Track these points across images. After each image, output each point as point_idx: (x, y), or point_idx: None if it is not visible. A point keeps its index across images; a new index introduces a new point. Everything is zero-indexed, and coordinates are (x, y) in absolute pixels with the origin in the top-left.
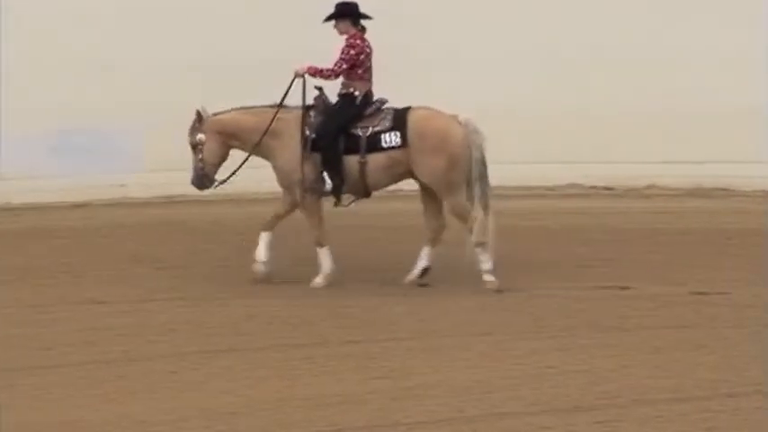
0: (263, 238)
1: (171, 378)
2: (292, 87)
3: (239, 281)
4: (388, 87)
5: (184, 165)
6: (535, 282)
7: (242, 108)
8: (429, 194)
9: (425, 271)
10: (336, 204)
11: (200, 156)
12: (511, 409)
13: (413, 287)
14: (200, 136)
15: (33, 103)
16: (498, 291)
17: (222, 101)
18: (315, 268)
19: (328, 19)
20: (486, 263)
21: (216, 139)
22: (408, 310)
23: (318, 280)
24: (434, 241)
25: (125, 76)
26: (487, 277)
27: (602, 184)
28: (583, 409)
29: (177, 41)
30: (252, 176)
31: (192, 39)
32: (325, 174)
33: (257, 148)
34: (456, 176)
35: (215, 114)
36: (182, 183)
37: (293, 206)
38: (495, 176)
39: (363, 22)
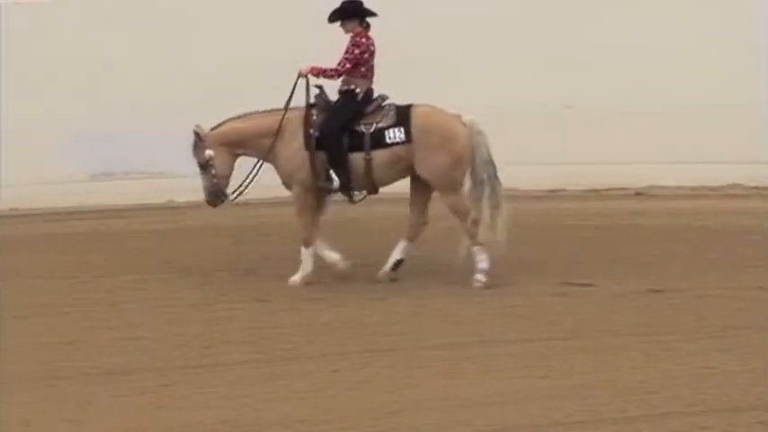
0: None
1: (333, 377)
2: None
3: (402, 279)
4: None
5: None
6: (697, 282)
7: (235, 117)
8: (418, 191)
9: (398, 264)
10: (350, 201)
11: (213, 171)
12: (672, 410)
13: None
14: (209, 152)
15: (198, 106)
16: (487, 287)
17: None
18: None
19: (333, 20)
20: (482, 262)
21: (224, 152)
22: (569, 310)
23: (295, 278)
24: (413, 237)
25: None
26: (479, 276)
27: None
28: (743, 409)
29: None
30: None
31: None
32: (331, 172)
33: (268, 151)
34: (457, 175)
35: (212, 129)
36: None
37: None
38: (662, 176)
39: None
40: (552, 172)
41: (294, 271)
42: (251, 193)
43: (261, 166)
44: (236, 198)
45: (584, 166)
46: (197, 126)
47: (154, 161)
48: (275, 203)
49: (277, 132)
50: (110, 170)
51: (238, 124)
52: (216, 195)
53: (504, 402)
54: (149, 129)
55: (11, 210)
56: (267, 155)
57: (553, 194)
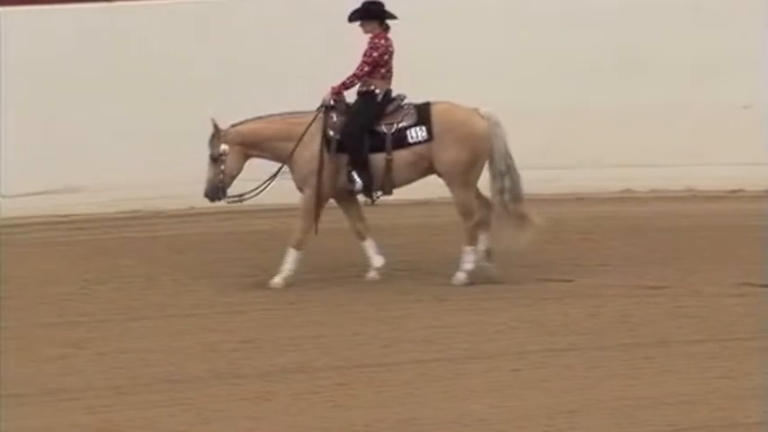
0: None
1: (512, 376)
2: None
3: (580, 279)
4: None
5: (526, 164)
6: None
7: (258, 118)
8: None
9: (489, 253)
10: (371, 203)
11: (222, 167)
12: None
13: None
14: (224, 147)
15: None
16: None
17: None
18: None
19: (354, 19)
20: (468, 263)
21: (238, 151)
22: (748, 311)
23: (277, 280)
24: (485, 225)
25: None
26: (460, 275)
27: None
28: None
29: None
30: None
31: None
32: (354, 173)
33: (278, 155)
34: (474, 171)
35: (233, 126)
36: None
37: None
38: None
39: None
40: (732, 173)
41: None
42: (433, 192)
43: (280, 169)
44: (241, 200)
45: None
46: (213, 119)
47: None
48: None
49: (301, 138)
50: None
51: (257, 126)
52: (215, 191)
53: (682, 403)
54: None
55: (190, 208)
56: (287, 159)
57: (732, 195)
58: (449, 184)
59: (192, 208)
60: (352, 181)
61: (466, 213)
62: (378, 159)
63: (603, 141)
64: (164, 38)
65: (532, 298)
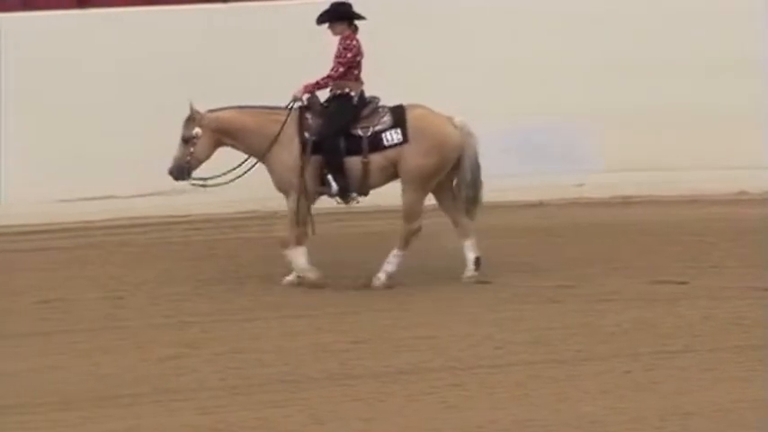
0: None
1: (625, 378)
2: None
3: (694, 281)
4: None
5: (641, 165)
6: None
7: (239, 108)
8: (443, 194)
9: (478, 261)
10: (347, 203)
11: (192, 149)
12: None
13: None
14: (197, 130)
15: (489, 103)
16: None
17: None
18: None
19: (322, 21)
20: (392, 265)
21: (210, 137)
22: None
23: (290, 278)
24: (466, 235)
25: (576, 76)
26: (381, 276)
27: None
28: None
29: (616, 42)
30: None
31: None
32: (329, 177)
33: (262, 152)
34: (435, 179)
35: (210, 111)
36: (638, 183)
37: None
38: None
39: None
40: None
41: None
42: (546, 193)
43: (246, 160)
44: (196, 184)
45: None
46: (190, 102)
47: None
48: (569, 204)
49: (276, 137)
50: None
51: (233, 115)
52: (180, 172)
53: None
54: None
55: None
56: (260, 155)
57: None
58: (404, 184)
59: None
60: (327, 184)
61: (410, 216)
62: (354, 162)
63: (718, 143)
64: (286, 38)
65: (645, 300)
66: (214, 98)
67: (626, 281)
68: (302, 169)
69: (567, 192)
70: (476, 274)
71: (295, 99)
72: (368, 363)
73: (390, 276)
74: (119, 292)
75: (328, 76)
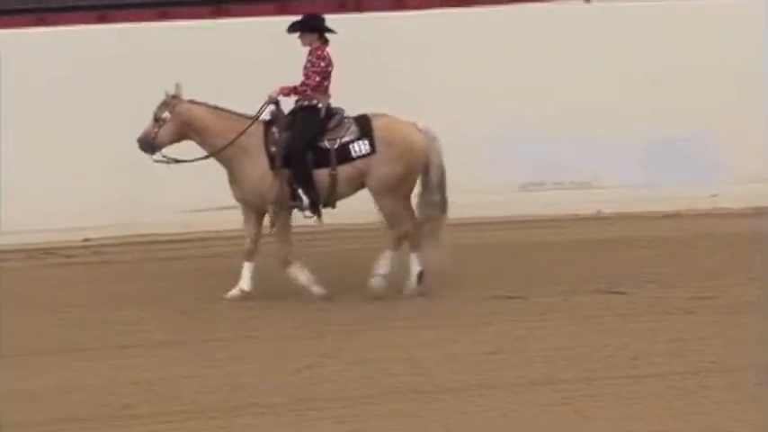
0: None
1: (757, 390)
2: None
3: None
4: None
5: None
6: None
7: (215, 107)
8: None
9: (421, 275)
10: (318, 217)
11: (156, 131)
12: None
13: None
14: (166, 114)
15: (626, 114)
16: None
17: None
18: None
19: (293, 30)
20: (384, 267)
21: (176, 125)
22: None
23: (317, 290)
24: (416, 244)
25: (711, 88)
26: (376, 279)
27: None
28: None
29: (751, 54)
30: None
31: None
32: (299, 190)
33: (220, 155)
34: (406, 185)
35: (190, 101)
36: None
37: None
38: None
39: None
40: None
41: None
42: (681, 204)
43: (205, 157)
44: (159, 161)
45: None
46: (177, 85)
47: (582, 171)
48: (711, 215)
49: (233, 141)
50: (540, 180)
51: (204, 114)
52: (146, 145)
53: None
54: (579, 137)
55: None
56: (223, 161)
57: None
58: (376, 194)
59: None
60: (297, 198)
61: (393, 222)
62: (322, 174)
63: None
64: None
65: None
66: None
67: (762, 292)
68: (274, 182)
69: (701, 202)
70: (419, 288)
71: (270, 100)
72: (502, 373)
73: (385, 279)
74: (252, 302)
75: (305, 84)
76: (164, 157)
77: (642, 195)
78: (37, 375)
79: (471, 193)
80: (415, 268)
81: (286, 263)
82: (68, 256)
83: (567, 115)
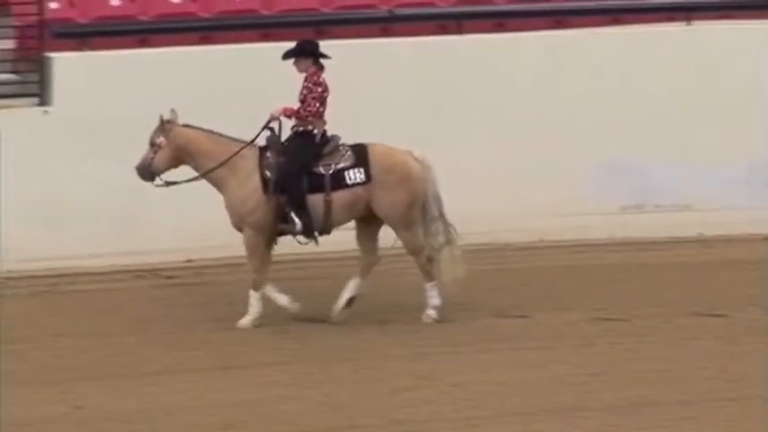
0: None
1: None
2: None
3: None
4: None
5: None
6: None
7: (210, 132)
8: (366, 228)
9: (351, 301)
10: (315, 242)
11: (152, 156)
12: None
13: None
14: (161, 140)
15: (727, 136)
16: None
17: None
18: None
19: (288, 57)
20: (434, 299)
21: (172, 150)
22: None
23: (244, 321)
24: (365, 274)
25: None
26: (431, 312)
27: None
28: None
29: None
30: None
31: None
32: (293, 214)
33: (212, 177)
34: (413, 212)
35: (185, 125)
36: None
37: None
38: None
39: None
40: None
41: None
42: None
43: (201, 177)
44: (159, 185)
45: None
46: (172, 111)
47: (683, 193)
48: None
49: (223, 163)
50: (641, 202)
51: (198, 137)
52: (144, 173)
53: None
54: (679, 160)
55: (540, 241)
56: (216, 184)
57: None
58: (392, 226)
59: (542, 240)
60: (291, 222)
61: (415, 251)
62: (316, 200)
63: None
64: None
65: None
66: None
67: None
68: (260, 206)
69: None
70: (345, 311)
71: (272, 119)
72: (602, 395)
73: (439, 309)
74: (352, 323)
75: (308, 111)
76: (165, 183)
77: (743, 218)
78: (138, 396)
79: (572, 215)
80: (349, 293)
81: (256, 287)
82: (169, 277)
83: (667, 138)
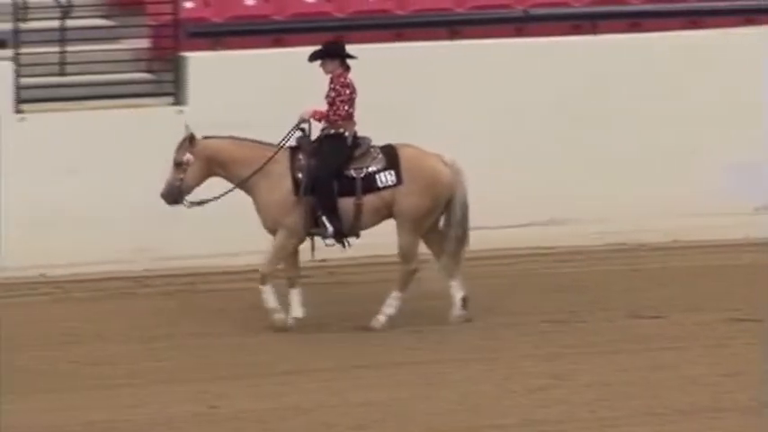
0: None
1: None
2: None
3: None
4: None
5: None
6: None
7: (234, 138)
8: (433, 233)
9: (465, 301)
10: (343, 246)
11: (182, 175)
12: None
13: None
14: (188, 156)
15: None
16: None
17: None
18: None
19: (315, 58)
20: (391, 308)
21: (202, 163)
22: None
23: (293, 315)
24: (454, 274)
25: None
26: (381, 318)
27: None
28: None
29: None
30: None
31: None
32: (324, 218)
33: (245, 184)
34: (429, 219)
35: (206, 138)
36: None
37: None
38: None
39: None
40: None
41: None
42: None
43: (231, 190)
44: (192, 206)
45: None
46: (188, 127)
47: None
48: None
49: (259, 170)
50: None
51: (227, 146)
52: (172, 195)
53: None
54: None
55: (673, 241)
56: (247, 189)
57: None
58: (399, 225)
59: (675, 241)
60: (322, 226)
61: (406, 258)
62: (347, 204)
63: None
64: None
65: None
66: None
67: None
68: (294, 209)
69: None
70: (464, 313)
71: (302, 120)
72: (736, 396)
73: (390, 318)
74: (483, 324)
75: (337, 115)
76: (198, 202)
77: None
78: (272, 396)
79: (706, 216)
80: (458, 294)
81: (264, 280)
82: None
83: None
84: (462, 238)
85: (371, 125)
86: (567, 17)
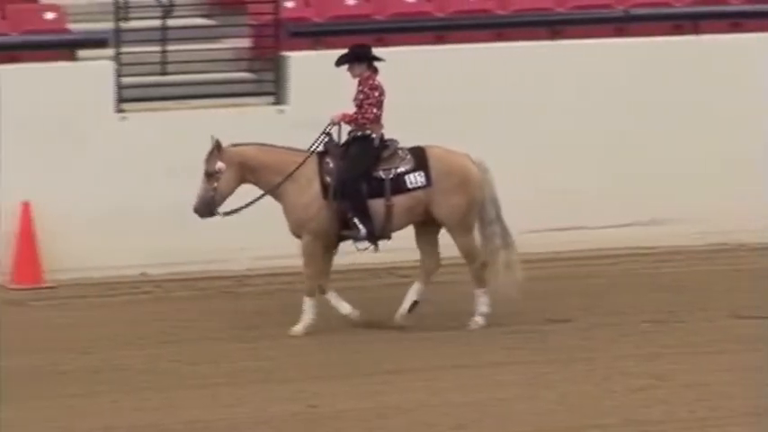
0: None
1: None
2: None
3: None
4: None
5: None
6: None
7: (261, 145)
8: (425, 233)
9: (414, 305)
10: (376, 250)
11: (215, 184)
12: None
13: None
14: (220, 165)
15: None
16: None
17: None
18: None
19: (341, 63)
20: (484, 305)
21: (235, 171)
22: None
23: (298, 328)
24: (426, 279)
25: None
26: (478, 319)
27: None
28: None
29: None
30: None
31: None
32: (356, 220)
33: (276, 190)
34: (472, 216)
35: (234, 146)
36: None
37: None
38: None
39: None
40: None
41: None
42: None
43: (261, 197)
44: (226, 215)
45: None
46: (213, 136)
47: None
48: None
49: (289, 175)
50: None
51: (257, 152)
52: (207, 207)
53: None
54: None
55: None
56: (276, 195)
57: None
58: (450, 230)
59: None
60: (354, 228)
61: (470, 256)
62: (377, 205)
63: None
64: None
65: None
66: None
67: None
68: (321, 213)
69: None
70: (407, 316)
71: (332, 123)
72: None
73: (487, 317)
74: (584, 324)
75: (365, 118)
76: (231, 211)
77: None
78: (371, 395)
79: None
80: (412, 298)
81: (310, 293)
82: (403, 276)
83: None
84: (502, 235)
85: (473, 125)
86: (668, 17)
